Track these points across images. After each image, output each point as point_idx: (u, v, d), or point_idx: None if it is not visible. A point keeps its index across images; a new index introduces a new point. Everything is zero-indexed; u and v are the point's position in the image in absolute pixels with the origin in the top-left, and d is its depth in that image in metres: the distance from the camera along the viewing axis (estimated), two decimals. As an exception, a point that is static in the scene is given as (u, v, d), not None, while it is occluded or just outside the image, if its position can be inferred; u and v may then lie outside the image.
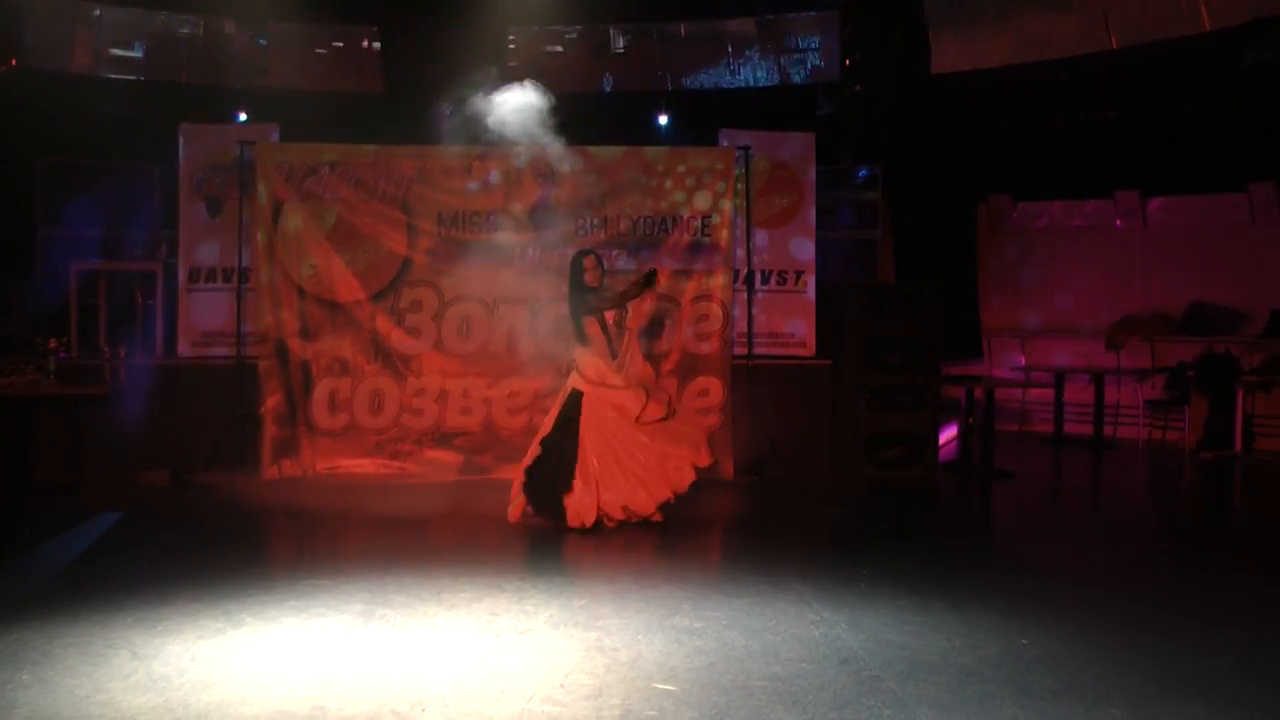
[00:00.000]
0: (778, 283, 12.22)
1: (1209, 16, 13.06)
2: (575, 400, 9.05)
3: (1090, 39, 14.05)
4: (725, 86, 16.22)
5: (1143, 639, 5.98)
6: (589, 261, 9.23)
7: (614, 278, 11.27)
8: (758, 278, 12.04)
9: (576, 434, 8.95)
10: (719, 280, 11.53)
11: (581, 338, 9.12)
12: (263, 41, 15.18)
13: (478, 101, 9.95)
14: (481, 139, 10.00)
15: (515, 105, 9.89)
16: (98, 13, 15.10)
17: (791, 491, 10.73)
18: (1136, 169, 15.30)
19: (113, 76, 15.21)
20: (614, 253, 11.42)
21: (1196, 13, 13.16)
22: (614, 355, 9.14)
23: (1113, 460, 13.59)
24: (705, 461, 9.12)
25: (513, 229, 11.38)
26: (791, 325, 12.28)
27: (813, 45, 15.83)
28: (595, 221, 11.51)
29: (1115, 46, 13.81)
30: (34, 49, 14.39)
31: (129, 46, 15.34)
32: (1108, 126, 15.43)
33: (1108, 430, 14.59)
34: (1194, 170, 14.89)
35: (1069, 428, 14.70)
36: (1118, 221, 15.76)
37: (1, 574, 7.54)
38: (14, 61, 13.87)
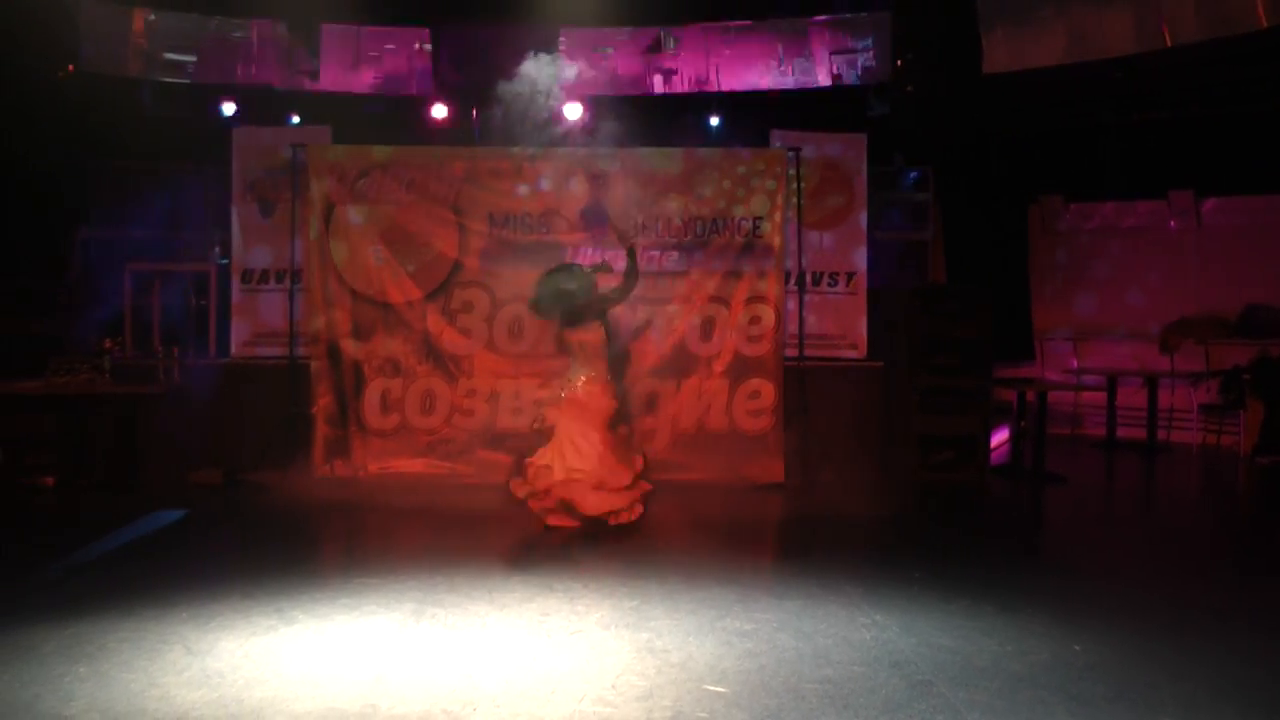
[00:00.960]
0: (829, 284, 12.18)
1: (1265, 14, 12.89)
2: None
3: (1143, 38, 13.92)
4: (776, 88, 16.17)
5: (1197, 646, 5.93)
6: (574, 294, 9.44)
7: (666, 278, 11.34)
8: (809, 279, 12.00)
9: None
10: (771, 282, 11.46)
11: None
12: (315, 48, 15.26)
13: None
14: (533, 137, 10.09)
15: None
16: (152, 18, 15.24)
17: (842, 493, 10.68)
18: (1190, 169, 15.13)
19: (167, 80, 15.35)
20: (666, 254, 11.41)
21: (1253, 10, 12.99)
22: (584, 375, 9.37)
23: (1166, 465, 13.45)
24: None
25: (564, 230, 11.39)
26: (843, 327, 12.24)
27: (864, 46, 15.76)
28: (646, 222, 11.48)
29: (1169, 45, 13.67)
30: (90, 54, 14.56)
31: (182, 51, 15.48)
32: (1161, 126, 15.27)
33: (1161, 434, 14.42)
34: (1249, 170, 14.71)
35: (1122, 432, 14.53)
36: (1171, 222, 15.61)
37: (58, 570, 7.63)
38: (71, 67, 14.05)
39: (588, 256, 11.30)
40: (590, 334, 9.25)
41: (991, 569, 7.83)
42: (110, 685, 5.19)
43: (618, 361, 9.98)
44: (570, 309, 9.29)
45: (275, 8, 14.87)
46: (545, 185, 11.44)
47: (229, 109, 14.77)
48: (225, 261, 12.69)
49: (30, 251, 13.73)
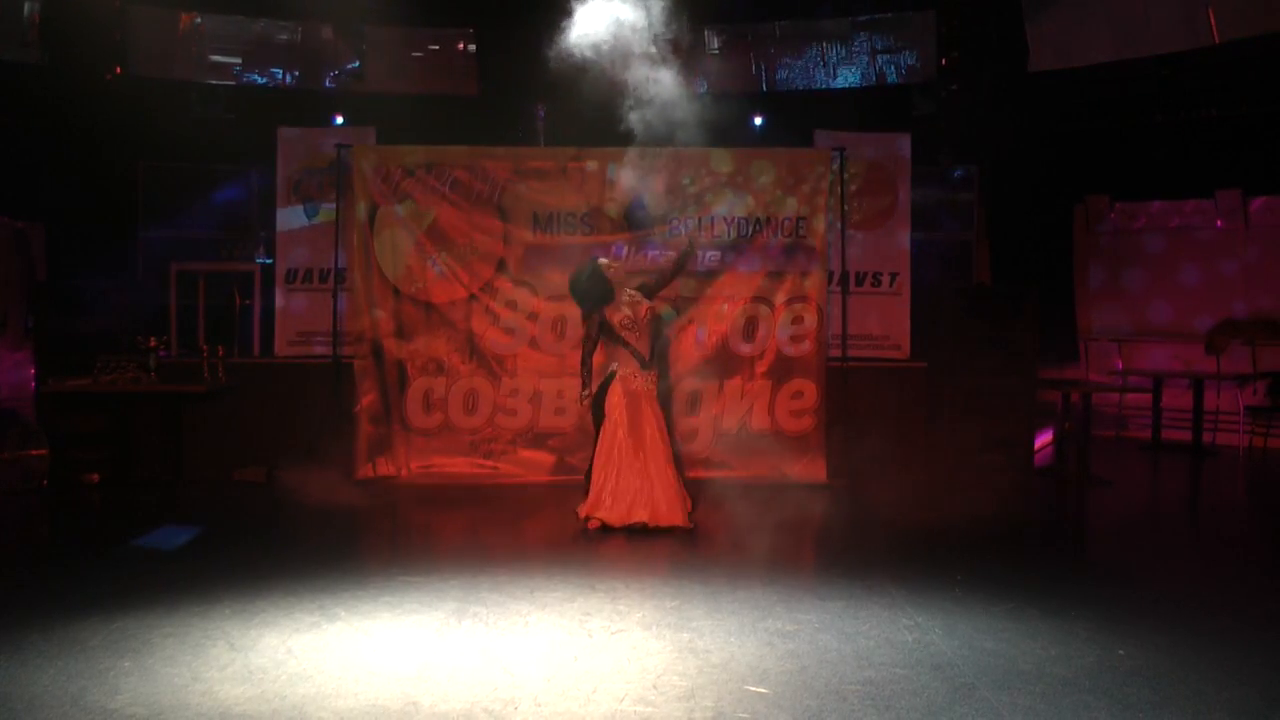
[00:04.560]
0: (872, 284, 12.15)
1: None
2: (603, 389, 9.38)
3: (1191, 34, 13.77)
4: (820, 87, 16.10)
5: (1245, 653, 5.86)
6: (605, 265, 9.36)
7: (709, 277, 11.33)
8: (852, 279, 11.97)
9: (600, 426, 9.36)
10: (814, 282, 11.43)
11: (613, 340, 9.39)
12: (360, 49, 15.32)
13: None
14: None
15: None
16: (198, 21, 15.34)
17: (884, 495, 10.64)
18: (1238, 168, 14.95)
19: (212, 82, 15.45)
20: (709, 253, 11.40)
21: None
22: (643, 364, 9.26)
23: (1212, 468, 13.31)
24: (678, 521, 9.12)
25: (607, 229, 11.39)
26: (886, 327, 12.20)
27: (908, 45, 15.68)
28: (690, 222, 11.46)
29: (1217, 41, 13.52)
30: (137, 56, 14.67)
31: (228, 53, 15.58)
32: (1209, 124, 15.10)
33: (1207, 437, 14.25)
34: (1299, 169, 14.55)
35: (1167, 434, 14.40)
36: (1218, 222, 15.44)
37: (104, 565, 7.70)
38: (119, 69, 14.17)
39: (631, 255, 11.28)
40: (635, 309, 9.20)
41: (1035, 572, 7.78)
42: (154, 679, 5.24)
43: (662, 359, 10.00)
44: (604, 290, 9.27)
45: (320, 9, 14.93)
46: (589, 185, 11.44)
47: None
48: (269, 261, 12.76)
49: (81, 251, 13.86)
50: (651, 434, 9.09)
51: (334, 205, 11.70)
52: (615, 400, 9.19)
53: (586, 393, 9.43)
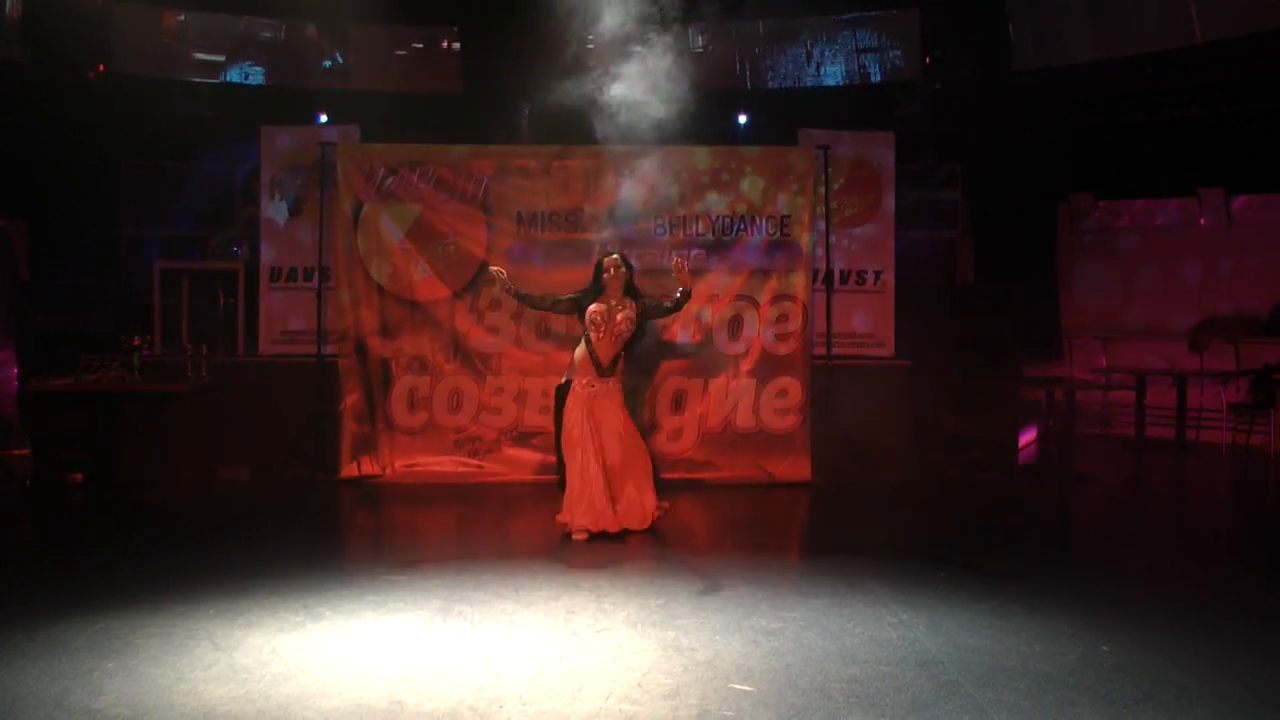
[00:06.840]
0: (856, 282, 12.16)
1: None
2: (561, 395, 9.25)
3: (1174, 33, 13.81)
4: (804, 85, 16.13)
5: (1228, 648, 5.87)
6: (609, 263, 9.03)
7: (693, 276, 11.30)
8: (836, 277, 11.97)
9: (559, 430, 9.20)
10: (799, 280, 11.43)
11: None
12: (344, 47, 15.30)
13: None
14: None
15: None
16: (182, 19, 15.31)
17: (869, 493, 10.65)
18: (1221, 166, 15.00)
19: (196, 80, 15.41)
20: (694, 252, 11.39)
21: (1282, 5, 12.88)
22: (599, 370, 8.98)
23: (1195, 465, 13.36)
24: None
25: (592, 228, 11.38)
26: (870, 325, 12.21)
27: (893, 43, 15.70)
28: (674, 220, 11.47)
29: (1199, 41, 13.57)
30: (120, 54, 14.63)
31: (212, 51, 15.55)
32: (1191, 123, 15.16)
33: (1190, 434, 14.30)
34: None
35: (1150, 431, 14.43)
36: (1201, 220, 15.49)
37: (87, 565, 7.68)
38: (101, 67, 14.13)
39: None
40: (619, 312, 8.92)
41: (1019, 569, 7.78)
42: (138, 680, 5.22)
43: (646, 358, 9.94)
44: (594, 280, 9.07)
45: (304, 8, 14.90)
46: (573, 183, 11.43)
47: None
48: (254, 260, 12.73)
49: (64, 250, 13.81)
50: (611, 443, 8.90)
51: (318, 203, 11.67)
52: (573, 414, 8.94)
53: (498, 270, 9.31)
